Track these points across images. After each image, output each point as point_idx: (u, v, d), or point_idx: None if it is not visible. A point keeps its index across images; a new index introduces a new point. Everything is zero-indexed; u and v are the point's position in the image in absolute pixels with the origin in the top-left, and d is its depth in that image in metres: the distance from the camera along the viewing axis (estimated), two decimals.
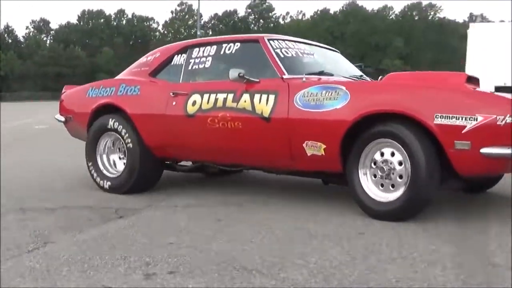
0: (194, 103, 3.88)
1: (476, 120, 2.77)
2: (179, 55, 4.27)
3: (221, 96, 3.73)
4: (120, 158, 4.41)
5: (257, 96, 3.56)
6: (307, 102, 3.33)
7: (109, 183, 4.26)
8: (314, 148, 3.32)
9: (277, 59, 3.69)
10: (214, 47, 4.08)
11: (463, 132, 2.80)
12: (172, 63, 4.31)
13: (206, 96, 3.82)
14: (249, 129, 3.57)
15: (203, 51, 4.13)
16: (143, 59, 4.60)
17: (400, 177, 3.05)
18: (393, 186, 3.09)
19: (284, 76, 3.59)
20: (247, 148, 3.65)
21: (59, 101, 5.01)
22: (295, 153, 3.42)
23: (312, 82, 3.46)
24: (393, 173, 3.08)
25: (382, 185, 3.15)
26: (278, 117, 3.43)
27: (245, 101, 3.60)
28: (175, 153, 4.14)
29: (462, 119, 2.80)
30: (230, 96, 3.68)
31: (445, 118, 2.84)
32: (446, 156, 2.87)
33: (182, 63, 4.23)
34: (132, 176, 4.18)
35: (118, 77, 4.72)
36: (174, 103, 4.01)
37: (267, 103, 3.50)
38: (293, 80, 3.56)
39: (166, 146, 4.09)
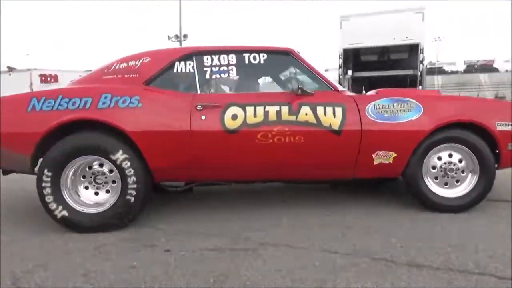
0: (234, 117, 3.45)
1: None
2: (183, 62, 3.65)
3: (272, 109, 3.47)
4: (97, 187, 3.44)
5: (320, 109, 3.50)
6: (381, 114, 3.53)
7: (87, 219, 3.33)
8: (383, 158, 3.56)
9: (320, 72, 3.69)
10: (233, 56, 3.66)
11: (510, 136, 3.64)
12: (174, 70, 3.63)
13: (250, 109, 3.46)
14: (314, 143, 3.48)
15: (219, 60, 3.66)
16: (120, 64, 3.65)
17: (463, 171, 3.67)
18: (457, 181, 3.69)
19: (340, 89, 3.65)
20: (310, 162, 3.53)
21: None
22: (362, 163, 3.57)
23: (376, 95, 3.66)
24: (456, 171, 3.67)
25: (446, 184, 3.70)
26: (350, 129, 3.49)
27: (306, 114, 3.48)
28: (195, 174, 3.55)
29: (508, 126, 3.63)
30: (285, 108, 3.47)
31: (502, 126, 3.62)
32: (499, 155, 3.65)
33: (192, 71, 3.63)
34: (131, 207, 3.38)
35: (71, 86, 3.59)
36: (203, 117, 3.44)
37: (334, 115, 3.50)
38: (348, 93, 3.67)
39: (184, 167, 3.46)
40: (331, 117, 3.50)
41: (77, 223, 3.34)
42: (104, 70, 3.68)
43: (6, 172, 3.74)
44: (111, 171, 3.42)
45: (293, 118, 3.47)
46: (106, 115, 3.36)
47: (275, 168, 3.54)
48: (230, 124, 3.44)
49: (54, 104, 3.38)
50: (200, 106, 3.46)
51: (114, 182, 3.43)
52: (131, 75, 3.60)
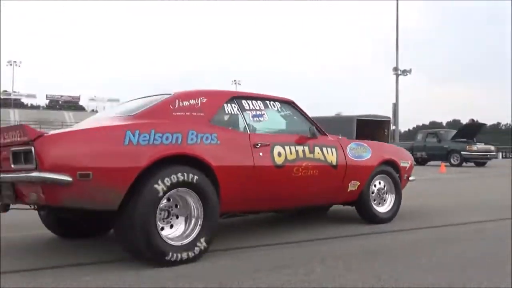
0: (279, 154, 4.09)
1: (408, 163, 5.45)
2: (229, 104, 4.03)
3: (300, 148, 4.26)
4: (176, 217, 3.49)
5: (324, 149, 4.48)
6: (354, 153, 4.76)
7: (191, 253, 3.40)
8: (353, 185, 4.78)
9: (311, 120, 4.64)
10: (260, 102, 4.28)
11: (406, 169, 5.41)
12: (226, 111, 3.96)
13: (287, 147, 4.17)
14: (323, 175, 4.43)
15: (253, 104, 4.21)
16: (182, 102, 3.73)
17: (386, 193, 5.18)
18: (384, 200, 5.17)
19: (327, 134, 4.69)
20: (319, 191, 4.45)
21: (37, 152, 2.90)
22: (344, 190, 4.69)
23: (346, 140, 4.84)
24: (384, 193, 5.15)
25: (379, 203, 5.12)
26: (341, 164, 4.59)
27: (318, 153, 4.41)
28: (253, 204, 3.97)
29: (406, 163, 5.40)
30: (306, 148, 4.32)
31: (403, 163, 5.34)
32: (401, 181, 5.33)
33: (237, 113, 4.04)
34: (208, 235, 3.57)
35: (145, 120, 3.47)
36: (261, 153, 3.95)
37: (332, 154, 4.54)
38: (332, 137, 4.73)
39: (248, 198, 3.88)
40: (331, 155, 4.52)
41: None
42: (169, 106, 3.68)
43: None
44: (176, 205, 3.48)
45: (312, 156, 4.33)
46: (197, 151, 3.48)
47: (301, 196, 4.32)
48: (278, 160, 4.05)
49: (149, 138, 3.28)
50: (258, 145, 3.93)
51: (177, 216, 3.48)
52: (197, 114, 3.75)
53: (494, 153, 22.82)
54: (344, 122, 22.29)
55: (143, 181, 3.20)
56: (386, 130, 23.43)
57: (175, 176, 3.32)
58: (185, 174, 3.37)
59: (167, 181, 3.27)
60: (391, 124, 26.30)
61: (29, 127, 3.00)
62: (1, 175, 3.15)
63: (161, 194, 3.25)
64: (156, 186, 3.22)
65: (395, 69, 34.42)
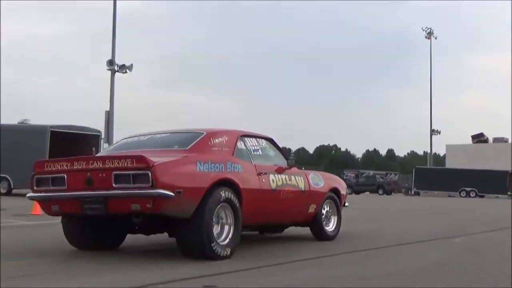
0: (273, 180, 5.64)
1: (345, 191, 7.27)
2: (240, 141, 5.48)
3: (284, 176, 5.84)
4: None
5: (296, 177, 6.10)
6: (314, 181, 6.42)
7: (229, 249, 4.82)
8: (312, 208, 6.40)
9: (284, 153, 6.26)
10: (254, 139, 5.81)
11: (344, 196, 7.21)
12: (238, 147, 5.41)
13: (277, 176, 5.72)
14: (297, 198, 6.02)
15: (251, 142, 5.70)
16: (214, 140, 5.15)
17: (330, 215, 6.89)
18: (330, 221, 6.85)
19: (294, 166, 6.33)
20: (293, 210, 6.01)
21: (154, 175, 4.21)
22: (306, 211, 6.30)
23: (308, 170, 6.51)
24: (329, 216, 6.85)
25: (327, 224, 6.80)
26: (306, 190, 6.22)
27: (292, 180, 6.01)
28: (257, 218, 5.40)
29: (344, 190, 7.21)
30: (286, 176, 5.91)
31: (343, 190, 7.13)
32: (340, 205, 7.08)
33: (244, 147, 5.50)
34: (237, 239, 5.01)
35: (184, 155, 4.88)
36: (263, 180, 5.48)
37: (302, 181, 6.17)
38: (297, 168, 6.37)
39: (256, 214, 5.34)
40: (301, 182, 6.15)
41: None
42: (208, 142, 5.08)
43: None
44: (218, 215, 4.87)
45: (290, 182, 5.93)
46: (233, 177, 4.93)
47: (284, 214, 5.87)
48: (273, 185, 5.58)
49: (208, 167, 4.69)
50: (261, 173, 5.45)
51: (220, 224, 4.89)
52: (223, 149, 5.17)
53: None
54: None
55: (205, 197, 4.57)
56: (94, 148, 17.75)
57: (223, 194, 4.72)
58: (227, 192, 4.79)
59: (221, 198, 4.68)
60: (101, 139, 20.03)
61: (147, 158, 4.26)
62: (112, 191, 4.31)
63: (216, 206, 4.64)
64: (214, 200, 4.61)
65: (111, 63, 23.82)
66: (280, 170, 5.83)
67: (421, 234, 7.77)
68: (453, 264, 4.91)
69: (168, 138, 5.44)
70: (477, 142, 48.05)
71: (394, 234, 7.82)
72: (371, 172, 50.23)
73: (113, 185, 4.36)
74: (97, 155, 4.73)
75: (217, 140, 5.23)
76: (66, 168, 4.57)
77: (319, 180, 6.58)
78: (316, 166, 50.42)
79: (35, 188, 4.81)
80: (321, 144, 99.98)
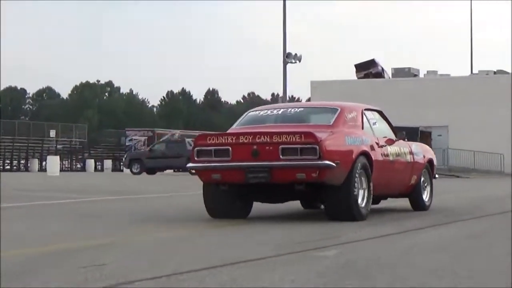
0: (390, 153, 6.30)
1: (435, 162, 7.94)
2: (363, 116, 6.13)
3: (396, 148, 6.45)
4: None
5: (404, 149, 6.68)
6: (416, 153, 7.03)
7: (366, 211, 5.57)
8: (413, 179, 6.83)
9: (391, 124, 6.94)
10: (370, 112, 6.48)
11: (435, 167, 7.87)
12: (363, 121, 6.08)
13: (390, 148, 6.37)
14: (404, 169, 6.62)
15: (370, 115, 6.33)
16: (347, 115, 5.81)
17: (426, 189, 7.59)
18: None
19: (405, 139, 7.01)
20: (400, 182, 6.59)
21: (321, 149, 4.96)
22: (408, 182, 6.76)
23: (410, 142, 7.15)
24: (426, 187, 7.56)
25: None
26: (411, 161, 6.76)
27: (401, 152, 6.61)
28: (377, 188, 6.01)
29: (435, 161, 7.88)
30: (397, 148, 6.50)
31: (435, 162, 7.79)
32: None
33: (367, 121, 6.14)
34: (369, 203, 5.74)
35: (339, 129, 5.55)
36: (384, 152, 6.15)
37: (408, 153, 6.78)
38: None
39: (377, 184, 5.95)
40: (408, 154, 6.77)
41: None
42: (344, 118, 5.76)
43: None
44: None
45: (400, 153, 6.55)
46: (368, 148, 5.63)
47: (394, 184, 6.58)
48: (391, 156, 6.24)
49: (353, 140, 5.42)
50: (382, 145, 6.09)
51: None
52: (355, 123, 5.87)
53: None
54: None
55: (352, 167, 5.28)
56: None
57: (361, 163, 5.42)
58: (364, 162, 5.50)
59: (360, 167, 5.40)
60: None
61: (315, 133, 4.99)
62: (278, 162, 5.04)
63: (358, 174, 5.35)
64: (357, 169, 5.31)
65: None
66: (390, 142, 6.39)
67: None
68: None
69: (304, 112, 6.15)
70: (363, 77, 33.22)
71: None
72: None
73: (280, 157, 5.07)
74: (254, 130, 5.45)
75: (350, 115, 5.91)
76: (231, 141, 5.28)
77: (420, 152, 7.14)
78: None
79: (196, 158, 5.50)
80: None
